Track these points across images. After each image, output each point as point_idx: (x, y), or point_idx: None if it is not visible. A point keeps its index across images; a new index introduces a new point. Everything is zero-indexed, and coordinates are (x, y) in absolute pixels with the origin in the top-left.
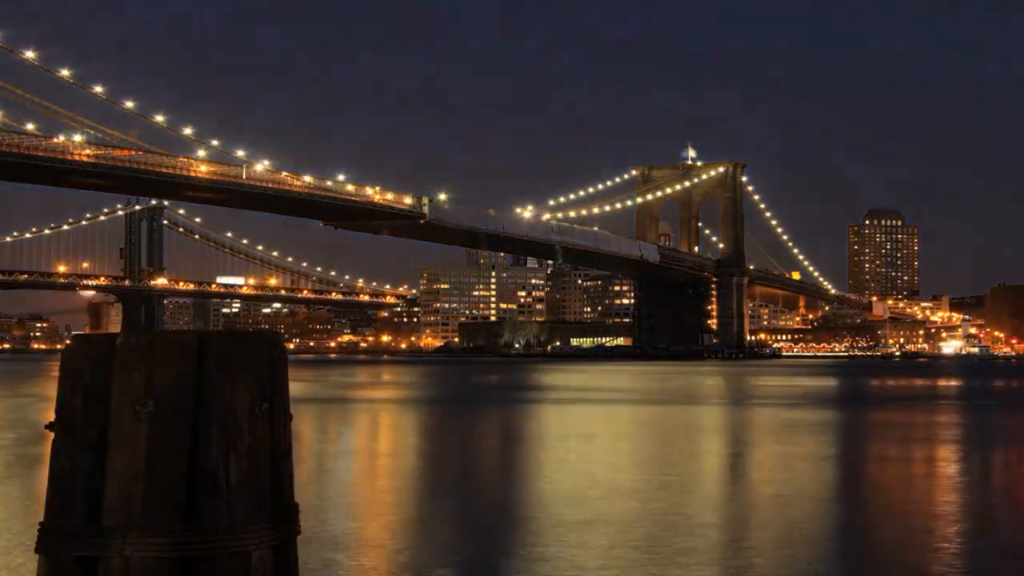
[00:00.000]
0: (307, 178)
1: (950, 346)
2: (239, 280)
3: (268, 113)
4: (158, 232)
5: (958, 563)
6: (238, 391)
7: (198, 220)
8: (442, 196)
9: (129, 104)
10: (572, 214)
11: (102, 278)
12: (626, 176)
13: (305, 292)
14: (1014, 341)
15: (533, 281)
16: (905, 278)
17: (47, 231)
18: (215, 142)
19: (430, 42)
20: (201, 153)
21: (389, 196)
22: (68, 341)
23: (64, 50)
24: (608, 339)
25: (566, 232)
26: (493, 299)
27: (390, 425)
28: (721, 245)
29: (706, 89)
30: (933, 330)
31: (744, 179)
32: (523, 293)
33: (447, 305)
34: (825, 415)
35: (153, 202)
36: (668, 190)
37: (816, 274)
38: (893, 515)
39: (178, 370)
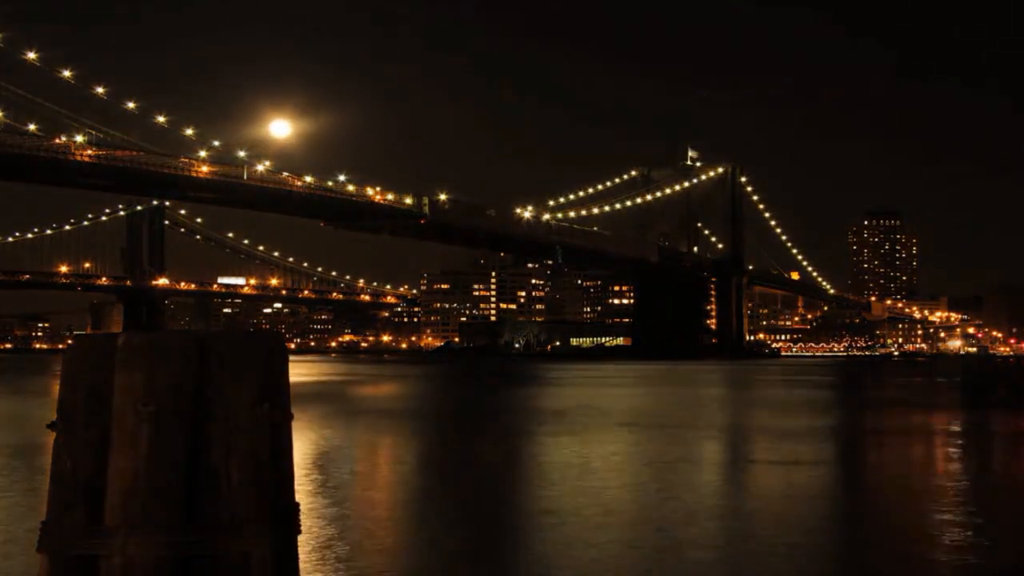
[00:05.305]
0: (308, 178)
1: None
2: (240, 280)
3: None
4: (159, 232)
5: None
6: (239, 391)
7: (199, 220)
8: (442, 196)
9: (131, 104)
10: (572, 214)
11: (104, 278)
12: (626, 176)
13: (306, 292)
14: (1012, 341)
15: (533, 281)
16: (904, 278)
17: (49, 231)
18: (216, 142)
19: (430, 42)
20: (202, 153)
21: (390, 196)
22: (70, 341)
23: (65, 50)
24: (608, 339)
25: (566, 232)
26: (493, 299)
27: (391, 424)
28: (720, 245)
29: (706, 90)
30: (932, 330)
31: (743, 179)
32: (523, 293)
33: (447, 305)
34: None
35: (155, 202)
36: (668, 190)
37: (815, 274)
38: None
39: (179, 370)
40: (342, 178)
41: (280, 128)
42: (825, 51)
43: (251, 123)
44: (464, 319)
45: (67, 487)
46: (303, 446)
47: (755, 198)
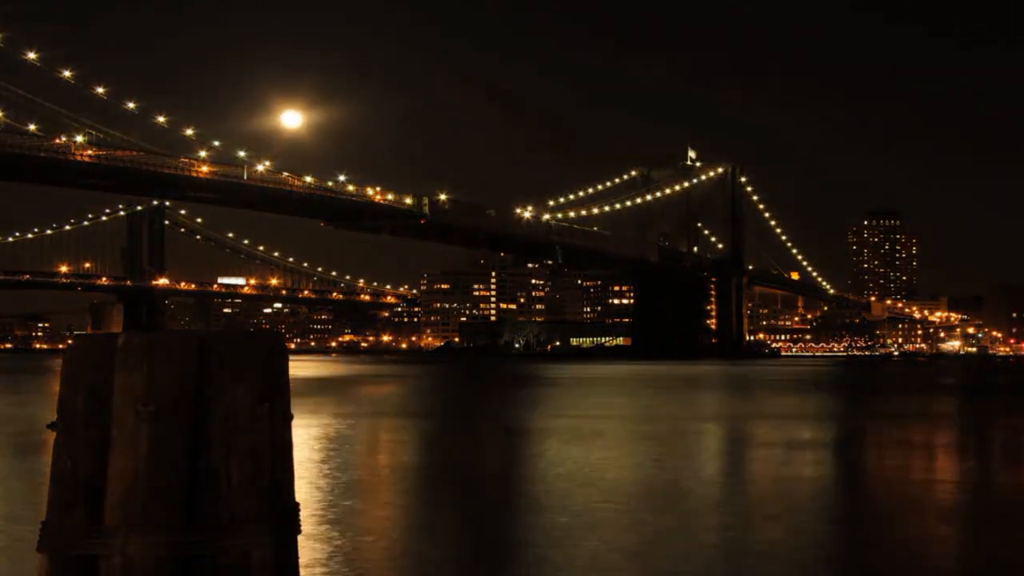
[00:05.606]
0: (308, 178)
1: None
2: (240, 280)
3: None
4: (159, 232)
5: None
6: (239, 391)
7: (199, 220)
8: (442, 196)
9: (131, 104)
10: (572, 214)
11: (104, 278)
12: (626, 177)
13: (306, 292)
14: (1012, 341)
15: (533, 281)
16: (904, 278)
17: (49, 231)
18: (216, 142)
19: (430, 41)
20: (203, 153)
21: (390, 196)
22: (70, 341)
23: (65, 50)
24: (608, 339)
25: (566, 232)
26: (493, 299)
27: (391, 423)
28: (720, 245)
29: (706, 90)
30: (931, 330)
31: (743, 179)
32: (523, 293)
33: (447, 305)
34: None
35: (155, 202)
36: (668, 191)
37: (815, 274)
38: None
39: (179, 370)
40: (342, 178)
41: (291, 119)
42: (825, 51)
43: (259, 115)
44: (464, 319)
45: (67, 487)
46: (303, 446)
47: (755, 198)
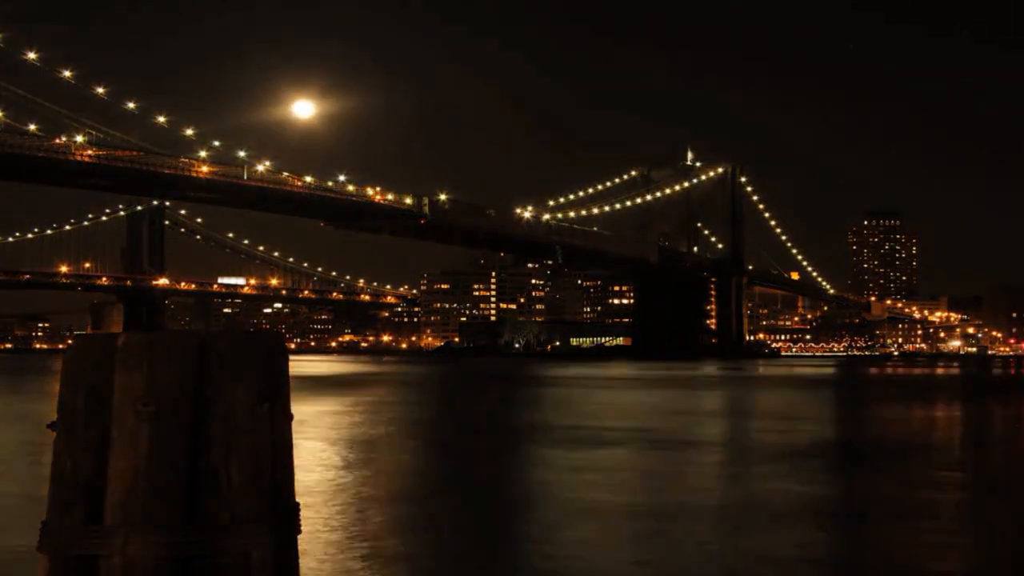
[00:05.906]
0: (308, 178)
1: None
2: (240, 280)
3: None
4: (159, 232)
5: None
6: (239, 391)
7: (199, 220)
8: (442, 196)
9: (131, 104)
10: (572, 214)
11: (104, 278)
12: (626, 177)
13: (306, 292)
14: (1012, 341)
15: (533, 281)
16: (904, 278)
17: (49, 231)
18: (216, 142)
19: (430, 41)
20: (203, 153)
21: (390, 196)
22: (70, 341)
23: (65, 50)
24: (607, 339)
25: (566, 232)
26: (493, 299)
27: (391, 423)
28: (720, 245)
29: (706, 89)
30: (931, 330)
31: (743, 179)
32: (523, 293)
33: (447, 305)
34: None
35: (155, 202)
36: (668, 191)
37: (815, 274)
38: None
39: (179, 370)
40: (342, 178)
41: (303, 109)
42: (825, 51)
43: (266, 108)
44: (464, 319)
45: (67, 487)
46: (303, 445)
47: (755, 198)
